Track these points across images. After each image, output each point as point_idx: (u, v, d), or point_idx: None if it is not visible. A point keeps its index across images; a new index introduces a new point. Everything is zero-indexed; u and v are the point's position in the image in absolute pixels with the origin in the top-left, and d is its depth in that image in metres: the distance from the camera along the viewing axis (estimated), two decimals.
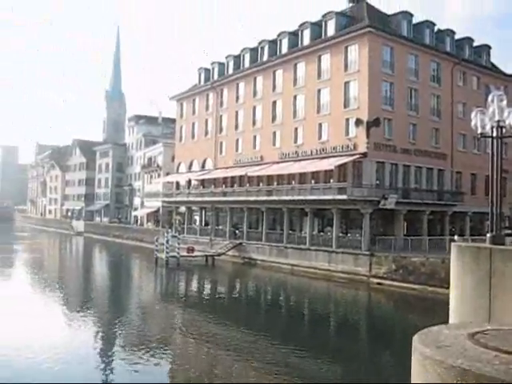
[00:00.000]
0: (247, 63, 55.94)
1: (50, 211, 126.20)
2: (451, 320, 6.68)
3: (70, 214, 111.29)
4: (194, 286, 41.96)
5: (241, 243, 50.55)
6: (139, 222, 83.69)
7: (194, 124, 64.64)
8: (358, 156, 41.48)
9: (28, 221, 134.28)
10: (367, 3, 47.90)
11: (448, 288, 7.26)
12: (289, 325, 24.59)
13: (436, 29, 48.93)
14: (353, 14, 47.23)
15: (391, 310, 31.82)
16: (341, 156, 42.67)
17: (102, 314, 27.31)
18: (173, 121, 75.09)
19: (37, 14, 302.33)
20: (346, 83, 43.74)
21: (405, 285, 34.51)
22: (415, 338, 3.72)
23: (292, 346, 20.08)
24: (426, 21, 48.08)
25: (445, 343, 3.56)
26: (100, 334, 22.65)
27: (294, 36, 50.08)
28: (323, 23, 47.18)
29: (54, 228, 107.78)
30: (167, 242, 47.31)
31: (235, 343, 20.75)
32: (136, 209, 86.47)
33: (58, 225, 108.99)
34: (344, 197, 39.40)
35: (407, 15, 46.58)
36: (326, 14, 47.14)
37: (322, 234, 44.55)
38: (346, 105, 43.58)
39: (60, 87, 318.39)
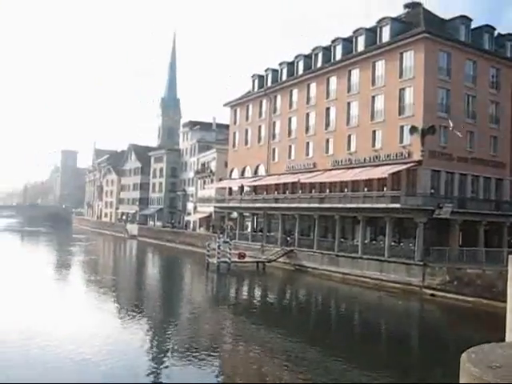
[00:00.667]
0: (301, 70, 55.83)
1: (105, 214, 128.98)
2: (508, 337, 6.33)
3: (124, 217, 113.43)
4: (245, 291, 42.03)
5: (292, 250, 50.35)
6: (192, 226, 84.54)
7: (247, 130, 64.92)
8: (412, 164, 40.70)
9: (84, 223, 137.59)
10: (424, 8, 47.04)
11: (505, 302, 6.89)
12: (339, 334, 24.27)
13: (496, 33, 47.60)
14: (408, 20, 46.44)
15: (444, 322, 30.95)
16: (395, 164, 41.97)
17: (153, 317, 27.68)
18: (226, 127, 75.59)
19: (94, 17, 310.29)
20: (401, 90, 43.04)
21: (459, 297, 33.55)
22: (464, 356, 3.53)
23: (341, 355, 19.82)
24: (486, 25, 46.69)
25: (496, 363, 3.36)
26: (150, 336, 22.92)
27: (348, 42, 49.66)
28: (378, 29, 46.61)
29: (109, 231, 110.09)
30: (219, 247, 47.60)
31: (285, 350, 20.63)
32: (189, 214, 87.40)
33: (113, 228, 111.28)
34: (397, 205, 38.73)
35: (465, 20, 45.43)
36: (380, 20, 46.54)
37: (374, 242, 43.86)
38: (400, 112, 42.88)
39: (117, 93, 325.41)
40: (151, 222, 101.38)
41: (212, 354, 19.91)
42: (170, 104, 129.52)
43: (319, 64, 52.97)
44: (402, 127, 42.43)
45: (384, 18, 46.21)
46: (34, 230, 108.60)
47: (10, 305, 27.63)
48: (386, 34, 45.60)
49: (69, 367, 16.62)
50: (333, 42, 51.60)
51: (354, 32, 49.11)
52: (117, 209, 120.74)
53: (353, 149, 47.53)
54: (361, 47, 47.84)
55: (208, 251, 49.33)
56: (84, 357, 17.79)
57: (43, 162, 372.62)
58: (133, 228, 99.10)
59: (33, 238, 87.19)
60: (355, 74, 48.14)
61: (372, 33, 47.36)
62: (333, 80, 50.89)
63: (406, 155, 41.50)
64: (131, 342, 20.72)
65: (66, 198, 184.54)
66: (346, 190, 46.58)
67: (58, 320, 24.13)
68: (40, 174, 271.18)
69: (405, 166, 40.96)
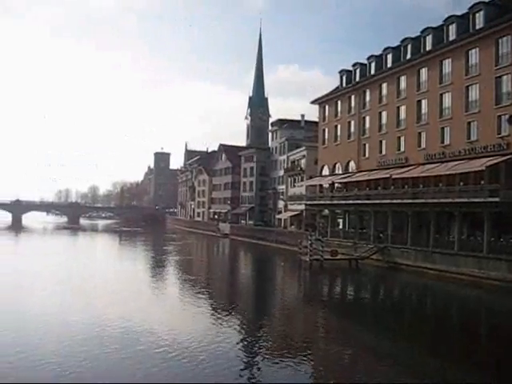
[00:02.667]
0: (390, 63, 54.69)
1: (198, 214, 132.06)
2: None
3: (216, 216, 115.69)
4: (338, 289, 41.76)
5: (385, 247, 49.45)
6: (283, 224, 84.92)
7: (336, 127, 64.39)
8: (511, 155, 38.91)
9: (178, 223, 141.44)
10: None
11: None
12: (437, 335, 23.38)
13: None
14: (503, 3, 44.22)
15: None
16: (492, 156, 40.23)
17: (246, 314, 27.99)
18: (315, 124, 75.31)
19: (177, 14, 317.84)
20: (498, 78, 41.14)
21: None
22: None
23: (439, 358, 19.16)
24: None
25: None
26: (243, 333, 23.11)
27: (439, 32, 48.03)
28: (470, 16, 44.72)
29: (201, 230, 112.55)
30: (311, 244, 47.54)
31: (379, 350, 20.29)
32: (280, 212, 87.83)
33: (205, 227, 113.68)
34: (496, 199, 37.09)
35: None
36: (472, 6, 44.57)
37: (471, 238, 42.18)
38: (497, 101, 41.01)
39: (205, 94, 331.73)
40: (243, 221, 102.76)
41: (305, 352, 19.81)
42: (258, 103, 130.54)
43: (408, 56, 51.67)
44: (499, 117, 40.61)
45: (477, 4, 44.21)
46: (131, 230, 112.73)
47: (112, 301, 28.76)
48: (479, 21, 43.68)
49: (159, 363, 17.03)
50: (422, 32, 50.11)
51: (445, 20, 47.47)
52: (209, 208, 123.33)
53: (446, 142, 46.03)
54: (452, 36, 46.17)
55: (300, 249, 49.41)
56: (176, 353, 18.25)
57: (137, 165, 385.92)
58: (225, 227, 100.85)
59: (130, 238, 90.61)
60: (447, 63, 46.56)
61: (464, 20, 45.48)
62: (423, 71, 49.49)
63: (505, 146, 39.70)
64: (223, 339, 20.92)
65: (159, 198, 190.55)
66: (440, 184, 45.12)
67: (153, 317, 24.83)
68: (135, 175, 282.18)
69: (503, 158, 39.17)
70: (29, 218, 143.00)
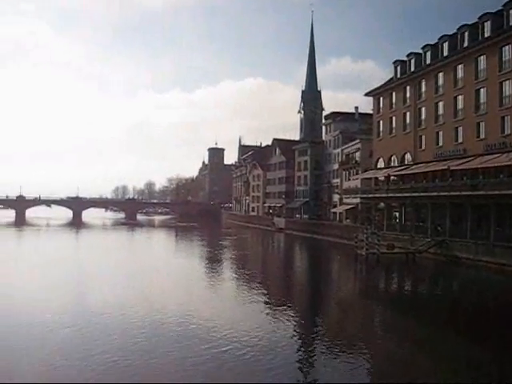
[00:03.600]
0: (446, 51, 53.37)
1: (252, 209, 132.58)
2: None
3: (271, 211, 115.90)
4: (395, 283, 41.14)
5: (443, 240, 48.39)
6: (338, 218, 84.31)
7: (391, 119, 63.40)
8: None
9: (233, 218, 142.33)
10: None
11: None
12: (502, 334, 22.59)
13: None
14: None
15: None
16: None
17: (302, 308, 27.98)
18: (369, 116, 74.38)
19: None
20: None
21: None
22: None
23: (507, 359, 18.59)
24: None
25: None
26: (298, 327, 22.99)
27: (498, 17, 46.50)
28: None
29: (256, 225, 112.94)
30: (367, 238, 47.04)
31: (440, 349, 19.79)
32: (334, 205, 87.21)
33: (260, 221, 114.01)
34: None
35: None
36: None
37: None
38: None
39: (258, 89, 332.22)
40: (297, 215, 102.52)
41: (361, 349, 19.48)
42: (311, 97, 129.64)
43: (466, 44, 50.28)
44: None
45: None
46: (187, 225, 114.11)
47: (170, 296, 29.22)
48: None
49: (215, 360, 17.14)
50: (480, 18, 48.64)
51: (504, 5, 45.96)
52: (263, 203, 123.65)
53: (507, 131, 44.62)
54: None
55: (356, 243, 48.97)
56: (231, 348, 18.36)
57: (192, 160, 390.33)
58: (280, 221, 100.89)
59: (186, 234, 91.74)
60: (507, 50, 45.07)
61: None
62: (481, 59, 48.09)
63: None
64: (280, 334, 20.89)
65: (214, 193, 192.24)
66: (501, 175, 43.82)
67: (210, 312, 25.03)
68: (190, 171, 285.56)
69: None
70: (88, 215, 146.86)
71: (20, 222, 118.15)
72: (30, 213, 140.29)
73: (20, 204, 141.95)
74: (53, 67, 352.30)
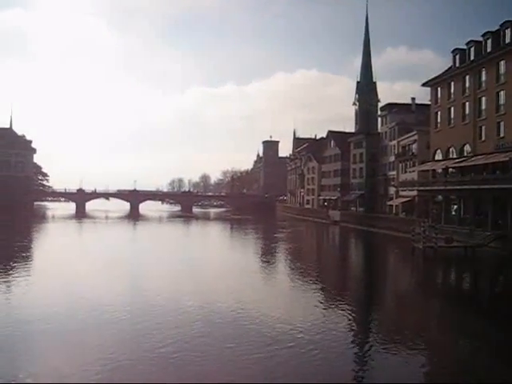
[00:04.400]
0: (508, 38, 51.57)
1: (307, 201, 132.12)
2: None
3: (326, 203, 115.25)
4: (454, 278, 40.25)
5: (504, 234, 46.93)
6: (394, 211, 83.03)
7: (449, 109, 61.82)
8: None
9: (287, 210, 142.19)
10: None
11: None
12: None
13: None
14: None
15: None
16: None
17: (357, 302, 27.66)
18: (427, 107, 72.82)
19: None
20: None
21: None
22: None
23: None
24: None
25: None
26: (354, 321, 22.74)
27: None
28: None
29: (311, 217, 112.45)
30: (424, 231, 46.09)
31: (503, 348, 19.20)
32: (390, 198, 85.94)
33: (315, 214, 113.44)
34: None
35: None
36: None
37: None
38: None
39: (312, 81, 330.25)
40: (352, 208, 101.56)
41: (419, 346, 19.04)
42: (366, 88, 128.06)
43: None
44: None
45: None
46: (242, 218, 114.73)
47: (225, 287, 29.44)
48: None
49: (269, 353, 17.13)
50: None
51: None
52: (318, 195, 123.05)
53: None
54: None
55: (413, 236, 48.06)
56: (286, 341, 18.34)
57: (246, 153, 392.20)
58: (335, 214, 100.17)
59: (241, 226, 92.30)
60: None
61: None
62: None
63: None
64: (334, 328, 20.75)
65: (269, 186, 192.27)
66: None
67: (264, 304, 25.03)
68: (244, 164, 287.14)
69: None
70: (145, 207, 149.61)
71: (80, 214, 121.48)
72: (90, 205, 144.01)
73: (80, 197, 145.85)
74: (107, 62, 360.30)
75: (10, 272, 32.82)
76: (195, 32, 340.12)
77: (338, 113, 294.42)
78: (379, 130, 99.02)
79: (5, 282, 29.20)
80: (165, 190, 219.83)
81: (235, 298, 25.77)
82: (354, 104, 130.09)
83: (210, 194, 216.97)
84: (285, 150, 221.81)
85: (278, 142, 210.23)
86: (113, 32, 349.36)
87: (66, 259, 40.52)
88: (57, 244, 55.17)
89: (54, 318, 20.89)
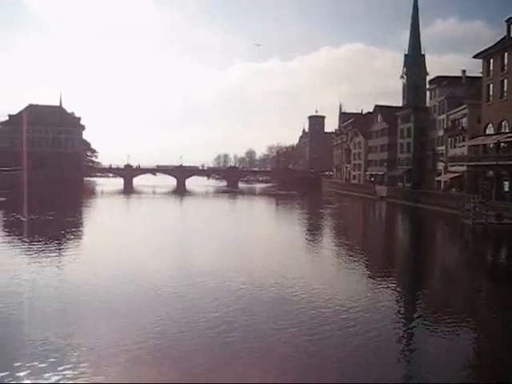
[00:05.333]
0: None
1: (353, 177, 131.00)
2: None
3: (372, 179, 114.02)
4: (503, 255, 39.32)
5: None
6: (442, 187, 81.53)
7: (502, 82, 59.87)
8: None
9: (333, 186, 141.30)
10: None
11: None
12: None
13: None
14: None
15: None
16: None
17: (404, 279, 27.36)
18: (478, 79, 70.71)
19: None
20: None
21: None
22: None
23: None
24: None
25: None
26: (400, 298, 22.65)
27: None
28: None
29: (357, 193, 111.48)
30: (474, 208, 45.26)
31: None
32: (439, 174, 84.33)
33: (361, 190, 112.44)
34: None
35: None
36: None
37: None
38: None
39: (358, 55, 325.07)
40: (399, 183, 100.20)
41: (466, 322, 18.89)
42: (414, 61, 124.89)
43: None
44: None
45: None
46: (287, 193, 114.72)
47: (269, 263, 29.59)
48: None
49: (314, 332, 17.17)
50: None
51: None
52: (365, 171, 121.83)
53: None
54: None
55: (462, 212, 47.30)
56: (328, 316, 18.49)
57: (292, 128, 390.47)
58: (381, 189, 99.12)
59: (286, 202, 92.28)
60: None
61: None
62: None
63: None
64: (379, 305, 20.58)
65: (314, 161, 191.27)
66: None
67: (307, 280, 25.07)
68: (290, 139, 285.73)
69: None
70: (191, 182, 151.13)
71: (128, 189, 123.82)
72: (137, 181, 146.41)
73: (128, 173, 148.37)
74: (153, 38, 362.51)
75: (64, 246, 34.01)
76: (239, 7, 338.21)
77: (384, 87, 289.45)
78: (427, 104, 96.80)
79: (58, 256, 30.20)
80: (210, 165, 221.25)
81: (282, 274, 25.77)
82: (402, 77, 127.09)
83: (255, 169, 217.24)
84: (330, 125, 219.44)
85: (323, 116, 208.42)
86: (158, 7, 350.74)
87: (116, 234, 41.52)
88: (107, 219, 56.42)
89: (105, 292, 21.47)
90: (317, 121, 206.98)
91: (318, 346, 15.73)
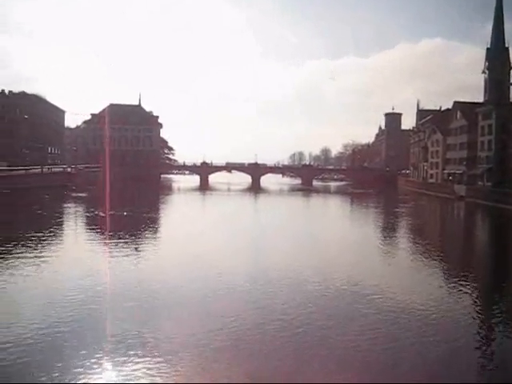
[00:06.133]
0: None
1: (431, 175, 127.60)
2: None
3: (450, 178, 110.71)
4: None
5: None
6: None
7: None
8: None
9: (409, 185, 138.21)
10: None
11: None
12: None
13: None
14: None
15: None
16: None
17: (484, 285, 26.42)
18: None
19: None
20: None
21: None
22: None
23: None
24: None
25: None
26: (478, 304, 22.06)
27: None
28: None
29: (434, 192, 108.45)
30: None
31: None
32: None
33: (439, 189, 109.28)
34: None
35: None
36: None
37: None
38: None
39: (435, 51, 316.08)
40: (479, 182, 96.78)
41: None
42: (497, 55, 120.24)
43: None
44: None
45: None
46: (362, 192, 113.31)
47: (344, 262, 29.39)
48: None
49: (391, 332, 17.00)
50: None
51: None
52: (442, 169, 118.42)
53: None
54: None
55: None
56: (403, 317, 18.25)
57: (367, 126, 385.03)
58: (460, 189, 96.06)
59: (361, 200, 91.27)
60: None
61: None
62: None
63: None
64: (456, 309, 20.07)
65: (390, 160, 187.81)
66: None
67: (384, 280, 24.83)
68: (366, 137, 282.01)
69: None
70: (266, 180, 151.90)
71: (204, 186, 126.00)
72: (212, 178, 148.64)
73: (204, 170, 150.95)
74: (225, 34, 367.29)
75: (143, 242, 35.36)
76: (313, 4, 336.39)
77: (464, 83, 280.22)
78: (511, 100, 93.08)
79: (138, 251, 31.30)
80: (285, 163, 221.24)
81: (357, 275, 25.60)
82: (483, 72, 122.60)
83: (330, 167, 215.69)
84: (406, 122, 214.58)
85: (400, 114, 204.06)
86: (234, 7, 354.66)
87: (194, 230, 42.40)
88: (184, 215, 57.68)
89: (182, 288, 22.25)
90: (393, 118, 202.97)
91: (398, 349, 15.65)
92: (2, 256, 27.54)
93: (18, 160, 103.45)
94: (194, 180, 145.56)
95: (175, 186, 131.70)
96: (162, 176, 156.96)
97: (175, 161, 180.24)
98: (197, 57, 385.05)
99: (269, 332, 16.58)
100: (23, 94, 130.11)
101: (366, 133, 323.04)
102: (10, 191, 65.04)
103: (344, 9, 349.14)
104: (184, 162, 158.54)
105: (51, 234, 37.18)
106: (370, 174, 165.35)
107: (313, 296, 21.20)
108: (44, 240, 33.74)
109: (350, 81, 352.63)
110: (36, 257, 27.62)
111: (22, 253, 28.47)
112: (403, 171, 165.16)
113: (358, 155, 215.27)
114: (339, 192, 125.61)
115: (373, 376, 13.84)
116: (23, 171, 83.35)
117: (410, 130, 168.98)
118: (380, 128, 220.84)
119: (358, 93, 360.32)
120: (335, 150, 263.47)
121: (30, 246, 30.73)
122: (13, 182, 71.24)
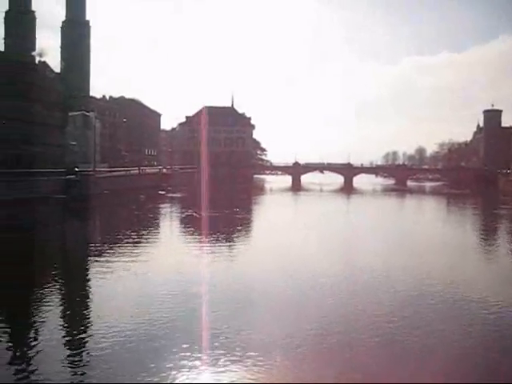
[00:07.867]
0: None
1: None
2: None
3: None
4: None
5: None
6: None
7: None
8: None
9: (511, 185, 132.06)
10: None
11: None
12: None
13: None
14: None
15: None
16: None
17: None
18: None
19: None
20: None
21: None
22: None
23: None
24: None
25: None
26: None
27: None
28: None
29: None
30: None
31: None
32: None
33: None
34: None
35: None
36: None
37: None
38: None
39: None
40: None
41: None
42: None
43: None
44: None
45: None
46: (459, 192, 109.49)
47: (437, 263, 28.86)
48: None
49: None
50: None
51: None
52: None
53: None
54: None
55: None
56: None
57: (463, 124, 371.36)
58: None
59: (458, 202, 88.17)
60: None
61: None
62: None
63: None
64: None
65: (490, 159, 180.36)
66: None
67: (478, 284, 24.33)
68: (463, 135, 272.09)
69: None
70: (358, 180, 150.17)
71: (296, 187, 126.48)
72: (304, 178, 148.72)
73: (296, 170, 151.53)
74: (318, 35, 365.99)
75: (237, 243, 36.51)
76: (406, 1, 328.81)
77: None
78: None
79: (232, 252, 32.49)
80: (379, 162, 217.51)
81: (452, 278, 25.11)
82: None
83: (425, 167, 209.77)
84: (508, 120, 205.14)
85: (500, 111, 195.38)
86: (324, 7, 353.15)
87: (286, 231, 43.20)
88: (277, 216, 58.42)
89: (276, 288, 22.65)
90: (493, 115, 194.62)
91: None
92: (110, 255, 29.41)
93: (117, 162, 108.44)
94: (286, 180, 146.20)
95: (267, 186, 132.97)
96: (255, 176, 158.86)
97: (267, 161, 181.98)
98: (289, 58, 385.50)
99: (365, 336, 16.64)
100: (122, 99, 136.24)
101: (465, 131, 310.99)
102: (109, 192, 67.95)
103: (438, 3, 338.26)
104: (274, 163, 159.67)
105: (150, 236, 39.21)
106: (468, 174, 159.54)
107: (405, 299, 21.19)
108: (147, 240, 35.71)
109: (444, 77, 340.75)
110: (142, 254, 29.78)
111: (125, 253, 30.26)
112: (504, 171, 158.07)
113: (454, 154, 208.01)
114: (434, 192, 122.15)
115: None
116: (123, 172, 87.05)
117: (511, 128, 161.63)
118: (478, 126, 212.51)
119: (453, 89, 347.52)
120: (431, 149, 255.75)
121: (136, 245, 33.00)
122: (110, 182, 73.65)
